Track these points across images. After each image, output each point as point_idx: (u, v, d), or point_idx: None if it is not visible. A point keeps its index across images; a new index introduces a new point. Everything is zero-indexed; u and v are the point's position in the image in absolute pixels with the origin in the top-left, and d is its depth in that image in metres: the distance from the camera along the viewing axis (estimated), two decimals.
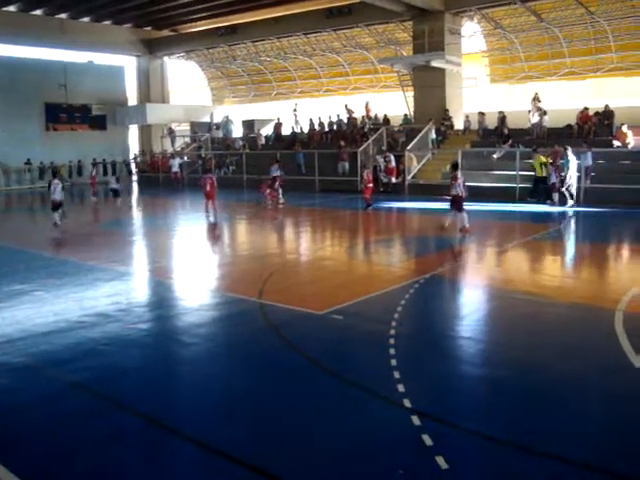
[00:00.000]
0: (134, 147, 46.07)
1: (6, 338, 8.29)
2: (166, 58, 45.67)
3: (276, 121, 38.27)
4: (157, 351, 7.91)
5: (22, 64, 38.69)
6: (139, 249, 16.69)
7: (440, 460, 4.84)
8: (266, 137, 38.12)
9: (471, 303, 10.15)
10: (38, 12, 37.61)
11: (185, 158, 39.16)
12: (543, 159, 22.33)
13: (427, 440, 5.16)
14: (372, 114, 34.04)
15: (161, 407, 6.10)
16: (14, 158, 35.43)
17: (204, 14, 39.21)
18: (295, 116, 37.52)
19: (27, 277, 12.20)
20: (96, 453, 5.23)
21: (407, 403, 5.86)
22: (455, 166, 17.15)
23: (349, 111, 34.92)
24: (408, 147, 27.68)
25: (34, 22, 37.50)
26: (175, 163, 36.19)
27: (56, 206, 19.03)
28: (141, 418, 5.87)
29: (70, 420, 5.86)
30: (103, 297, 10.42)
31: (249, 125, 41.09)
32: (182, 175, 35.97)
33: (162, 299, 10.80)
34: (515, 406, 5.91)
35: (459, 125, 30.17)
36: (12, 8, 36.33)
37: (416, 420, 5.53)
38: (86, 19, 39.93)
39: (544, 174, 22.18)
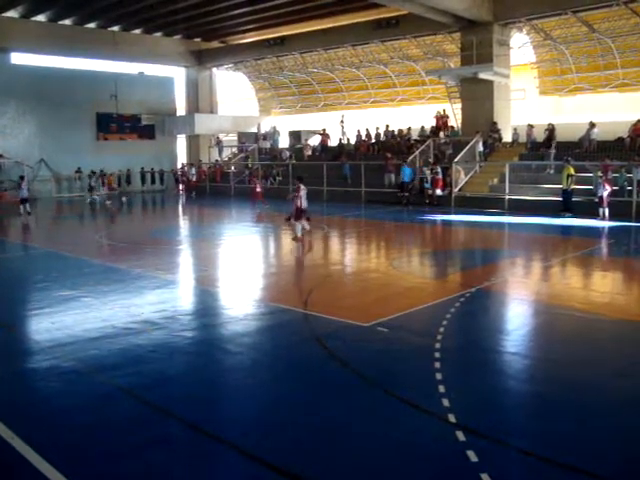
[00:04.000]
0: (182, 157, 46.68)
1: (56, 342, 8.47)
2: (215, 69, 46.24)
3: (323, 132, 38.43)
4: (202, 359, 7.98)
5: (75, 75, 39.67)
6: (185, 257, 16.90)
7: (485, 477, 4.78)
8: (313, 148, 38.29)
9: (517, 318, 10.01)
10: (92, 25, 38.53)
11: (232, 168, 39.55)
12: (572, 171, 21.98)
13: (472, 456, 5.09)
14: (449, 124, 33.25)
15: (206, 414, 6.15)
16: (66, 166, 36.29)
17: (253, 26, 39.62)
18: (342, 127, 37.63)
19: (76, 283, 12.46)
20: (141, 458, 5.31)
21: (452, 418, 5.80)
22: (299, 179, 18.33)
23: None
24: (455, 159, 27.51)
25: (88, 35, 38.47)
26: (191, 172, 37.86)
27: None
28: (186, 425, 5.93)
29: (116, 425, 5.95)
30: (149, 304, 10.59)
31: (296, 136, 41.32)
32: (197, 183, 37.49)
33: (207, 307, 10.92)
34: (563, 424, 5.79)
35: (507, 137, 29.85)
36: (67, 22, 37.33)
37: (461, 435, 5.47)
38: (137, 31, 40.74)
39: (570, 186, 21.86)
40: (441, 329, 8.64)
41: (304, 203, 17.56)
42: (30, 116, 38.04)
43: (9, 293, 12.39)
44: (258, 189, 28.77)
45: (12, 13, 35.00)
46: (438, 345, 7.93)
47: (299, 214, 17.59)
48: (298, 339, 8.55)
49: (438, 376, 6.85)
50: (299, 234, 17.49)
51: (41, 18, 36.28)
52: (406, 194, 27.78)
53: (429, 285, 12.50)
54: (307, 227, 18.07)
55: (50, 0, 32.16)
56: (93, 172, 35.87)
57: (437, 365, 7.20)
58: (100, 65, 41.59)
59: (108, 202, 28.93)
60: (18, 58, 38.22)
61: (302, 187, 17.70)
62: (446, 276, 13.80)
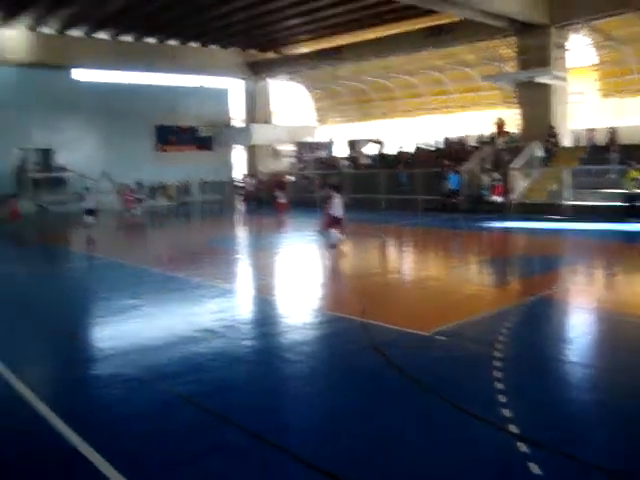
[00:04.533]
0: (240, 167, 47.24)
1: (118, 350, 8.66)
2: (271, 80, 46.71)
3: (379, 140, 38.40)
4: (261, 367, 8.04)
5: (135, 89, 40.78)
6: (243, 266, 17.09)
7: None
8: (370, 157, 38.29)
9: (580, 326, 9.81)
10: (151, 40, 39.44)
11: (290, 178, 39.84)
12: (635, 174, 21.41)
13: (535, 469, 4.99)
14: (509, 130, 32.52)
15: (265, 423, 6.19)
16: (126, 178, 37.09)
17: (308, 36, 39.90)
18: (398, 136, 37.52)
19: (137, 292, 12.73)
20: (200, 466, 5.38)
21: (513, 428, 5.69)
22: (332, 187, 17.64)
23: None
24: (513, 165, 27.11)
25: (147, 50, 39.36)
26: (250, 182, 38.54)
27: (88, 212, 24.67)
28: (245, 433, 5.97)
29: (176, 432, 6.04)
30: (209, 313, 10.73)
31: (352, 145, 41.40)
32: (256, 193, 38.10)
33: (266, 316, 11.02)
34: (629, 436, 5.64)
35: (566, 142, 29.28)
36: (128, 38, 38.31)
37: (523, 447, 5.36)
38: (195, 44, 41.44)
39: (633, 190, 21.28)
40: (501, 337, 8.52)
41: (338, 212, 17.29)
42: (92, 130, 39.15)
43: (74, 301, 12.77)
44: (282, 201, 28.46)
45: (76, 32, 36.13)
46: (498, 354, 7.81)
47: (331, 223, 17.41)
48: (356, 348, 8.54)
49: (498, 385, 6.75)
50: (334, 242, 17.38)
51: (103, 35, 37.34)
52: (453, 201, 27.51)
53: (488, 293, 12.35)
54: (340, 237, 17.57)
55: (112, 18, 33.03)
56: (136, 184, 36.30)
57: (497, 374, 7.10)
58: (159, 79, 42.58)
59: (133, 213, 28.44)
60: (82, 75, 39.45)
61: (336, 195, 17.57)
62: (506, 284, 13.63)
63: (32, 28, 34.68)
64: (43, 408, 6.63)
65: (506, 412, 6.04)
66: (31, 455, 5.72)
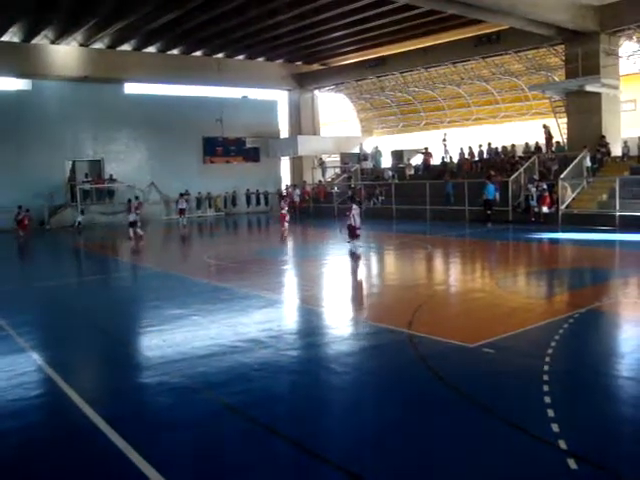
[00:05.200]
0: (286, 178, 47.56)
1: (166, 359, 8.78)
2: (316, 91, 46.96)
3: (425, 151, 38.25)
4: (307, 378, 8.05)
5: (183, 102, 41.49)
6: (289, 277, 17.15)
7: None
8: (415, 167, 38.16)
9: (632, 340, 9.53)
10: (198, 53, 40.09)
11: (335, 189, 39.95)
12: None
13: None
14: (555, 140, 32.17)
15: (311, 434, 6.20)
16: (174, 189, 37.70)
17: (353, 47, 40.10)
18: (444, 145, 37.34)
19: (185, 302, 12.86)
20: (247, 475, 5.42)
21: (562, 444, 5.57)
22: (352, 199, 19.29)
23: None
24: (561, 175, 26.69)
25: (194, 63, 40.11)
26: (295, 193, 38.69)
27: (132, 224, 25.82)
28: (292, 444, 5.99)
29: (224, 441, 6.09)
30: (255, 323, 10.79)
31: (398, 155, 41.30)
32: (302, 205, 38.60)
33: (312, 327, 11.02)
34: None
35: (616, 151, 28.70)
36: (175, 51, 39.03)
37: (572, 464, 5.24)
38: (241, 57, 42.03)
39: None
40: (550, 351, 8.37)
41: (357, 222, 18.62)
42: (141, 142, 39.98)
43: (124, 311, 13.00)
44: (284, 211, 28.81)
45: (126, 47, 36.96)
46: (547, 367, 7.68)
47: (353, 232, 18.80)
48: (402, 359, 8.50)
49: (547, 399, 6.63)
50: (357, 251, 18.83)
51: (152, 49, 38.11)
52: (488, 212, 27.20)
53: (536, 305, 12.15)
54: (350, 242, 19.10)
55: (160, 32, 33.67)
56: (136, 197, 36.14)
57: (546, 388, 6.97)
58: (206, 91, 43.22)
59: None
60: (130, 88, 40.35)
61: (354, 207, 18.89)
62: (554, 296, 13.41)
63: (84, 44, 35.57)
64: (91, 413, 6.77)
65: (555, 427, 5.92)
66: (81, 458, 5.85)
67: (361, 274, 17.19)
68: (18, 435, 6.39)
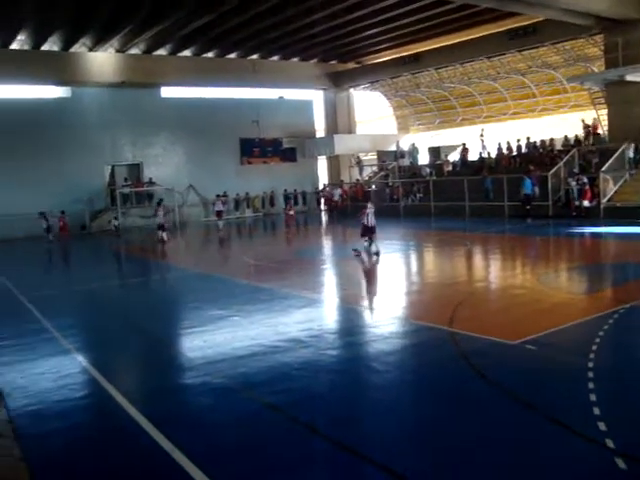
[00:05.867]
0: (323, 178, 47.58)
1: (207, 360, 8.86)
2: (352, 90, 46.87)
3: (462, 147, 37.94)
4: (348, 377, 8.05)
5: (219, 104, 41.76)
6: (329, 276, 17.16)
7: None
8: (453, 164, 37.88)
9: None
10: (232, 56, 40.31)
11: (373, 187, 39.83)
12: None
13: None
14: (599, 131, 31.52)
15: (352, 433, 6.20)
16: (212, 191, 37.95)
17: (387, 45, 39.94)
18: (482, 141, 36.98)
19: (225, 303, 12.98)
20: (289, 476, 5.44)
21: (610, 443, 5.45)
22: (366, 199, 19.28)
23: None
24: (603, 168, 26.21)
25: (229, 65, 40.33)
26: (336, 193, 38.48)
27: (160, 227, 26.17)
28: (333, 443, 5.99)
29: (266, 440, 6.12)
30: (295, 323, 10.84)
31: (435, 152, 41.04)
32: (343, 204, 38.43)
33: (352, 326, 11.02)
34: None
35: None
36: (210, 54, 39.31)
37: (621, 463, 5.13)
38: (275, 58, 42.12)
39: None
40: (594, 347, 8.23)
41: (371, 221, 18.43)
42: (179, 145, 40.37)
43: (165, 312, 13.17)
44: (291, 212, 29.17)
45: (162, 51, 37.36)
46: (591, 364, 7.55)
47: (365, 232, 18.60)
48: (443, 357, 8.44)
49: (592, 397, 6.52)
50: (361, 250, 18.62)
51: (187, 53, 38.44)
52: (527, 207, 26.83)
53: (579, 301, 11.97)
54: (366, 244, 18.74)
55: (194, 36, 33.94)
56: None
57: (591, 385, 6.86)
58: (241, 93, 43.43)
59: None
60: (167, 92, 40.75)
61: (368, 206, 18.88)
62: (597, 292, 13.16)
63: (120, 50, 36.07)
64: (135, 413, 6.88)
65: (602, 426, 5.81)
66: (125, 458, 5.95)
67: (399, 272, 17.12)
68: (64, 435, 6.52)
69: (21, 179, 33.74)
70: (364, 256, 18.37)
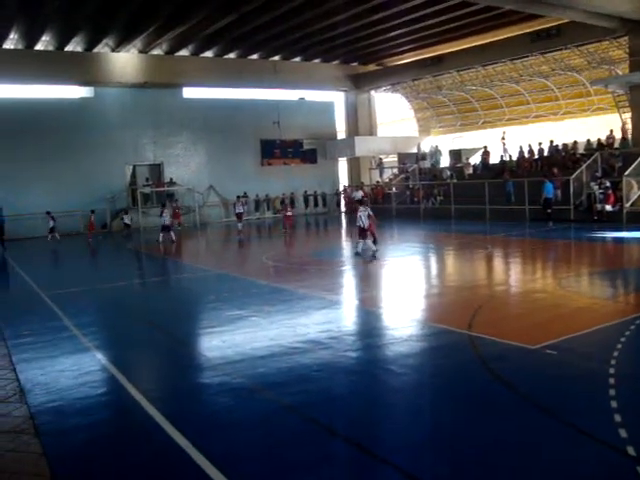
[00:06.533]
0: (343, 179, 47.57)
1: (226, 360, 8.88)
2: (373, 92, 46.79)
3: (484, 150, 37.75)
4: (366, 379, 8.02)
5: (240, 105, 41.96)
6: (348, 278, 17.14)
7: None
8: (474, 166, 37.70)
9: None
10: (254, 57, 40.42)
11: (394, 189, 39.74)
12: None
13: None
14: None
15: (370, 435, 6.18)
16: (232, 191, 38.09)
17: (409, 46, 39.85)
18: (503, 144, 36.76)
19: (244, 303, 13.01)
20: (307, 476, 5.43)
21: (631, 451, 5.37)
22: (359, 202, 20.55)
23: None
24: (626, 172, 25.93)
25: (250, 66, 40.42)
26: (358, 195, 38.34)
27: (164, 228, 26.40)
28: (351, 444, 5.98)
29: (283, 441, 6.12)
30: (314, 324, 10.82)
31: (456, 155, 40.87)
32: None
33: (371, 328, 10.98)
34: None
35: None
36: (232, 55, 39.46)
37: None
38: (297, 59, 42.18)
39: None
40: (615, 353, 8.13)
41: (364, 223, 18.99)
42: (200, 145, 40.59)
43: (185, 312, 13.21)
44: (289, 213, 29.60)
45: (184, 52, 37.56)
46: (613, 371, 7.45)
47: (361, 233, 19.20)
48: (462, 361, 8.39)
49: (613, 404, 6.43)
50: (359, 250, 19.33)
51: (209, 54, 38.62)
52: (548, 211, 26.61)
53: (601, 306, 11.84)
54: (362, 246, 19.39)
55: (216, 37, 34.10)
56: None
57: (612, 392, 6.76)
58: (262, 94, 43.56)
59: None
60: (189, 92, 40.97)
61: (361, 209, 19.42)
62: (619, 297, 13.03)
63: (143, 51, 36.32)
64: (154, 411, 6.92)
65: (623, 433, 5.72)
66: (144, 455, 5.97)
67: (419, 275, 17.06)
68: (84, 432, 6.56)
69: (44, 178, 34.16)
70: (366, 256, 18.87)
